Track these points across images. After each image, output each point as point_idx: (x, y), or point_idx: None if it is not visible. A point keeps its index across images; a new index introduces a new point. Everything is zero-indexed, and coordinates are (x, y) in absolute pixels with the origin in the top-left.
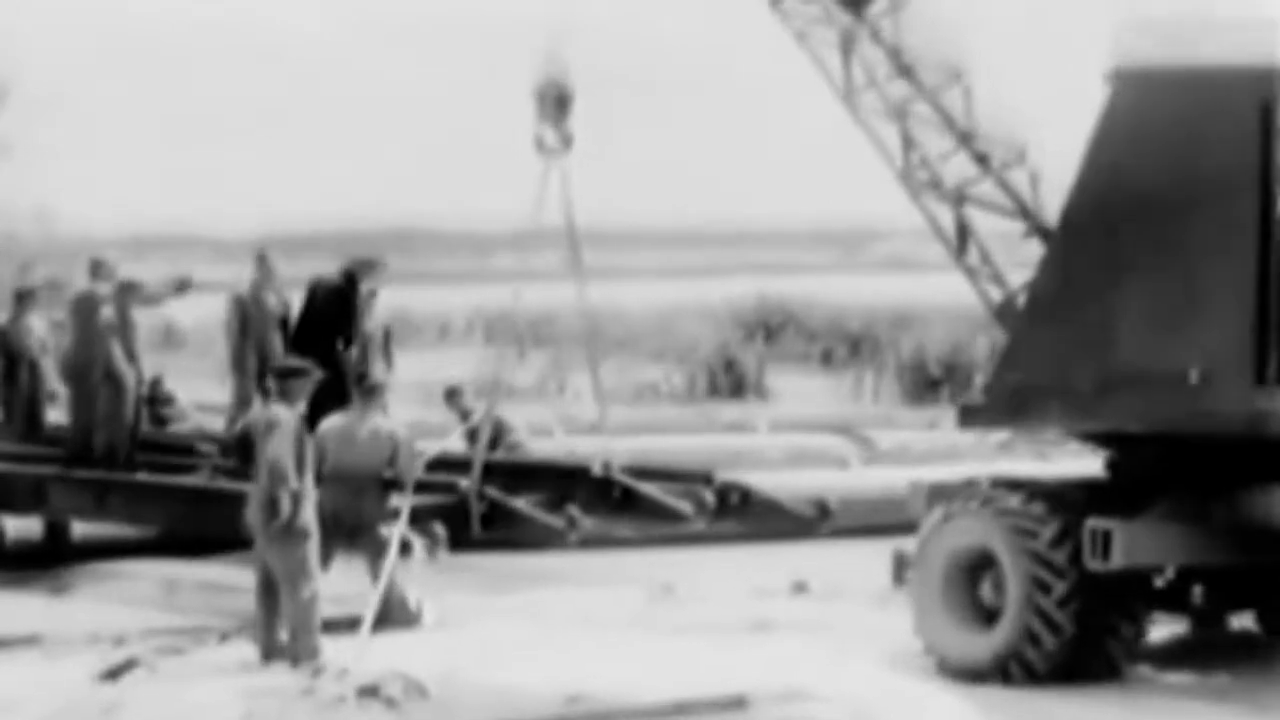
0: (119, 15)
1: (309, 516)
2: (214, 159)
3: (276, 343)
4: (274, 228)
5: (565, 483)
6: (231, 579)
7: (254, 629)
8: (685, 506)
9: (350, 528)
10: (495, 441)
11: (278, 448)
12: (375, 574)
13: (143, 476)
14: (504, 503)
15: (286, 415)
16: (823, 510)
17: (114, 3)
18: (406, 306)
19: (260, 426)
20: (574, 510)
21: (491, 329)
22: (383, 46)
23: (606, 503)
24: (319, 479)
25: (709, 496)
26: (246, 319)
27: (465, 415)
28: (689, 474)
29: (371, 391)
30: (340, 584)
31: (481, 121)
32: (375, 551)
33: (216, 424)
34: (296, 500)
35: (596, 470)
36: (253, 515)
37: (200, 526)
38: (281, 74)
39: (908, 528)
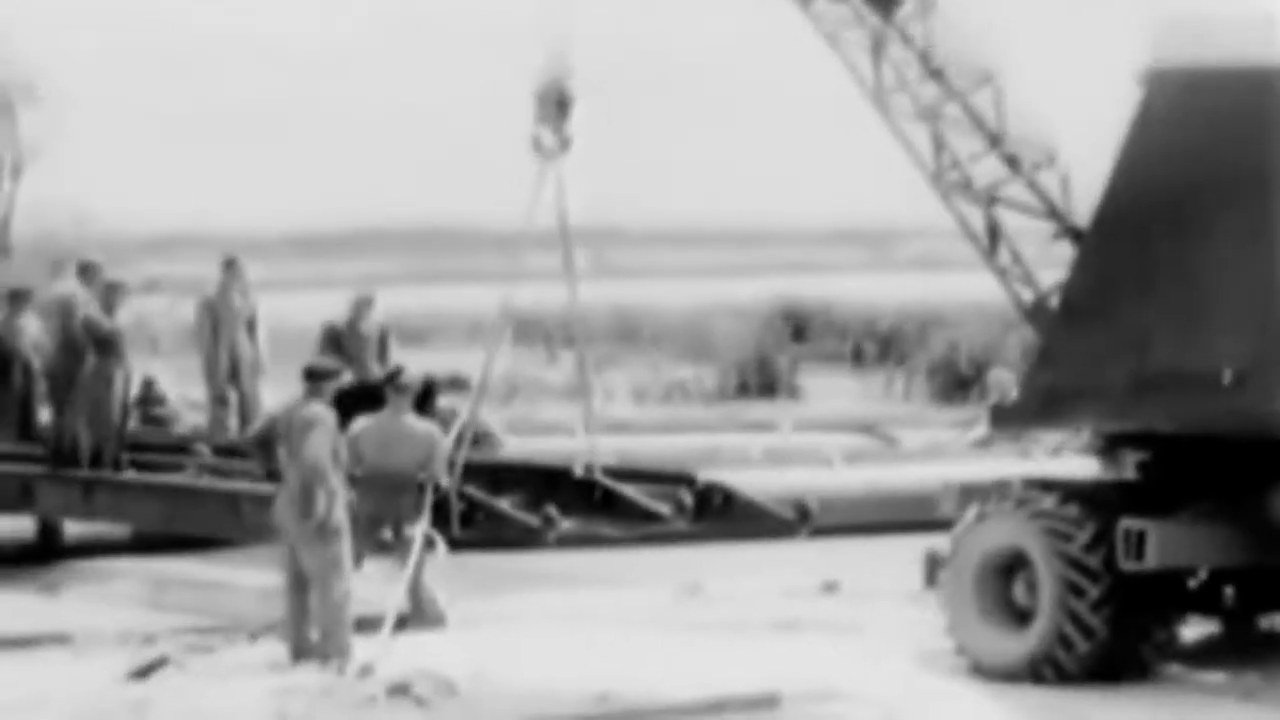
0: (148, 16)
1: (341, 515)
2: (244, 158)
3: (246, 344)
4: (304, 227)
5: (547, 484)
6: (220, 577)
7: (283, 628)
8: (664, 508)
9: (390, 527)
10: (475, 440)
11: (317, 446)
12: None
13: (129, 475)
14: (483, 502)
15: (324, 414)
16: (803, 512)
17: (143, 4)
18: (437, 305)
19: (294, 425)
20: (551, 510)
21: (520, 329)
22: (412, 46)
23: (588, 503)
24: (355, 480)
25: (688, 498)
26: (216, 322)
27: (446, 420)
28: (672, 475)
29: (404, 390)
30: (371, 584)
31: (510, 120)
32: (407, 551)
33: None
34: (331, 499)
35: (578, 471)
36: (282, 513)
37: (188, 525)
38: (311, 75)
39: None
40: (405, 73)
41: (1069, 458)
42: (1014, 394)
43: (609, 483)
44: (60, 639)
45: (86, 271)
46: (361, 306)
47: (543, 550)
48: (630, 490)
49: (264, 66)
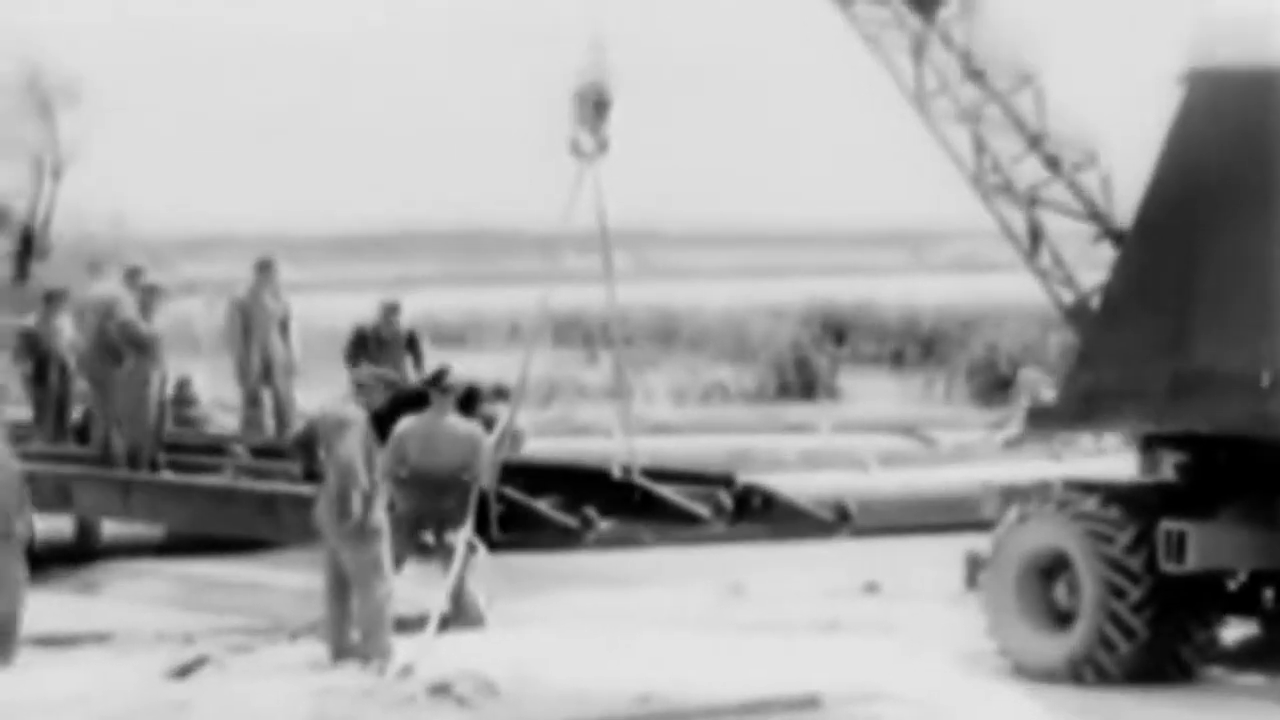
0: (186, 19)
1: (380, 516)
2: (281, 160)
3: (279, 345)
4: (343, 228)
5: (586, 485)
6: (256, 578)
7: (324, 628)
8: (703, 510)
9: (435, 527)
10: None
11: (349, 447)
12: (448, 574)
13: (167, 476)
14: (522, 503)
15: (357, 414)
16: (842, 513)
17: (181, 7)
18: (475, 306)
19: (330, 426)
20: (590, 511)
21: (560, 330)
22: (449, 46)
23: (627, 505)
24: (400, 480)
25: (727, 499)
26: (248, 323)
27: (489, 422)
28: (710, 476)
29: (449, 391)
30: (411, 585)
31: (548, 121)
32: (450, 555)
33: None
34: (368, 500)
35: (616, 473)
36: (322, 514)
37: (225, 526)
38: (349, 76)
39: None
40: (442, 74)
41: (1106, 458)
42: (1044, 393)
43: (647, 484)
44: (100, 638)
45: (132, 275)
46: (388, 313)
47: (581, 552)
48: (669, 492)
49: (301, 68)
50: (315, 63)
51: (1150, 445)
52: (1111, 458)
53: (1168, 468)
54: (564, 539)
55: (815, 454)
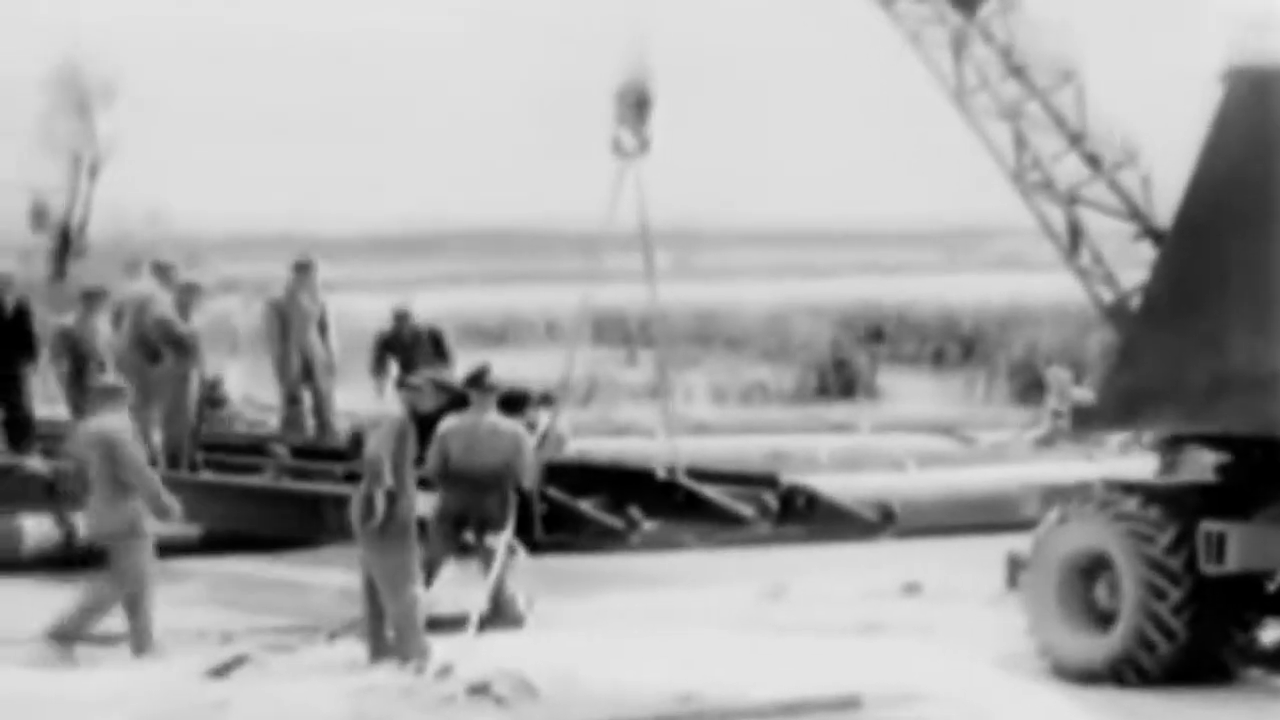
0: (225, 16)
1: (407, 518)
2: (317, 160)
3: (317, 345)
4: (381, 228)
5: (630, 486)
6: (294, 577)
7: (361, 628)
8: (748, 510)
9: (476, 527)
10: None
11: (373, 447)
12: (488, 575)
13: (207, 475)
14: (566, 504)
15: (391, 414)
16: (886, 514)
17: (219, 6)
18: (514, 306)
19: (371, 427)
20: (635, 512)
21: (600, 329)
22: (487, 45)
23: (671, 506)
24: (442, 479)
25: (772, 500)
26: (285, 323)
27: (530, 426)
28: (754, 477)
29: (490, 390)
30: (451, 585)
31: (588, 121)
32: (490, 557)
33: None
34: (392, 499)
35: (661, 474)
36: (353, 515)
37: (267, 525)
38: (387, 75)
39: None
40: (481, 72)
41: (1131, 457)
42: (1072, 393)
43: (692, 485)
44: None
45: (162, 272)
46: (400, 319)
47: (626, 553)
48: (713, 492)
49: (339, 67)
50: (354, 61)
51: (1168, 447)
52: (1139, 457)
53: (1187, 469)
54: (609, 540)
55: (853, 454)
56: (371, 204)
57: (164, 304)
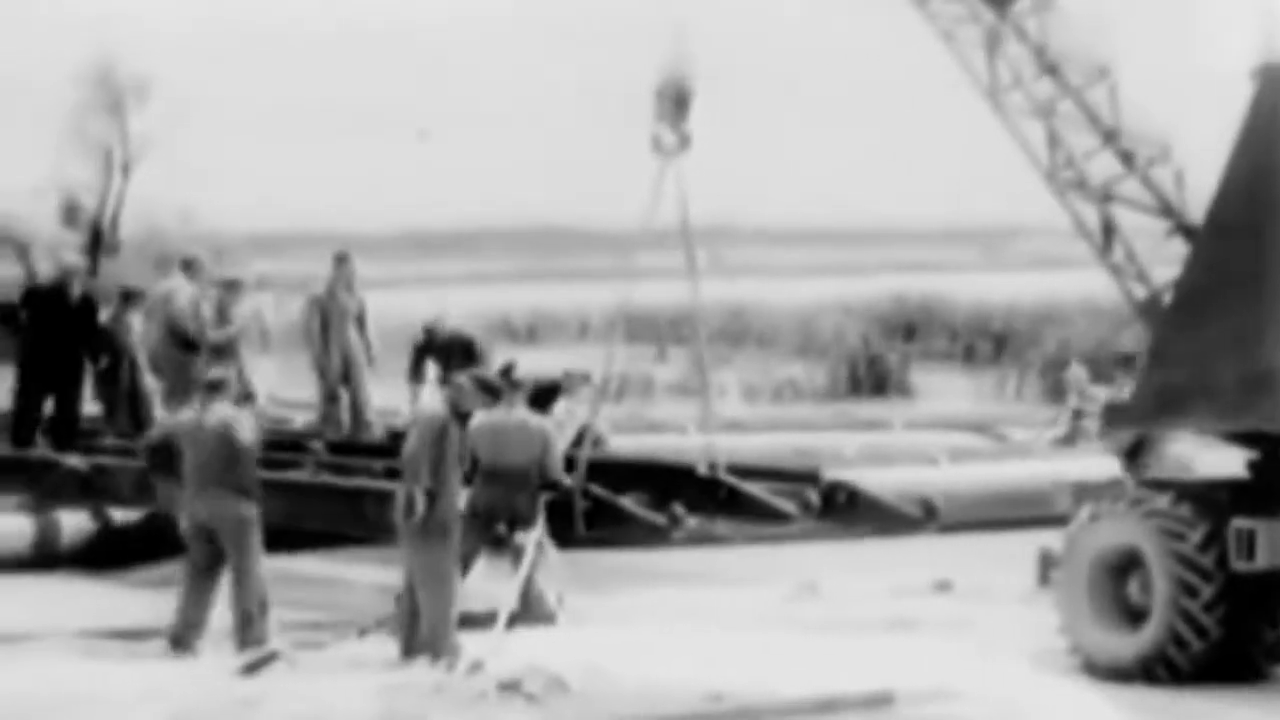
0: (258, 14)
1: (449, 516)
2: (350, 157)
3: (356, 341)
4: (415, 225)
5: (671, 482)
6: (337, 573)
7: (395, 624)
8: (790, 506)
9: (506, 524)
10: (579, 439)
11: (415, 445)
12: (517, 571)
13: None
14: (608, 500)
15: (429, 412)
16: (929, 510)
17: (253, 1)
18: (546, 303)
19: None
20: (678, 509)
21: (631, 326)
22: (522, 43)
23: (712, 502)
24: (470, 477)
25: (814, 496)
26: (325, 320)
27: (560, 422)
28: (795, 473)
29: (518, 387)
30: (481, 581)
31: (620, 119)
32: (519, 554)
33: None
34: (432, 498)
35: (702, 470)
36: (396, 512)
37: (309, 521)
38: (418, 72)
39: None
40: (516, 70)
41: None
42: (1090, 391)
43: (734, 481)
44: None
45: (189, 267)
46: (430, 333)
47: (669, 549)
48: (754, 488)
49: (374, 63)
50: (388, 59)
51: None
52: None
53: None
54: (652, 536)
55: (885, 450)
56: (405, 201)
57: (182, 299)
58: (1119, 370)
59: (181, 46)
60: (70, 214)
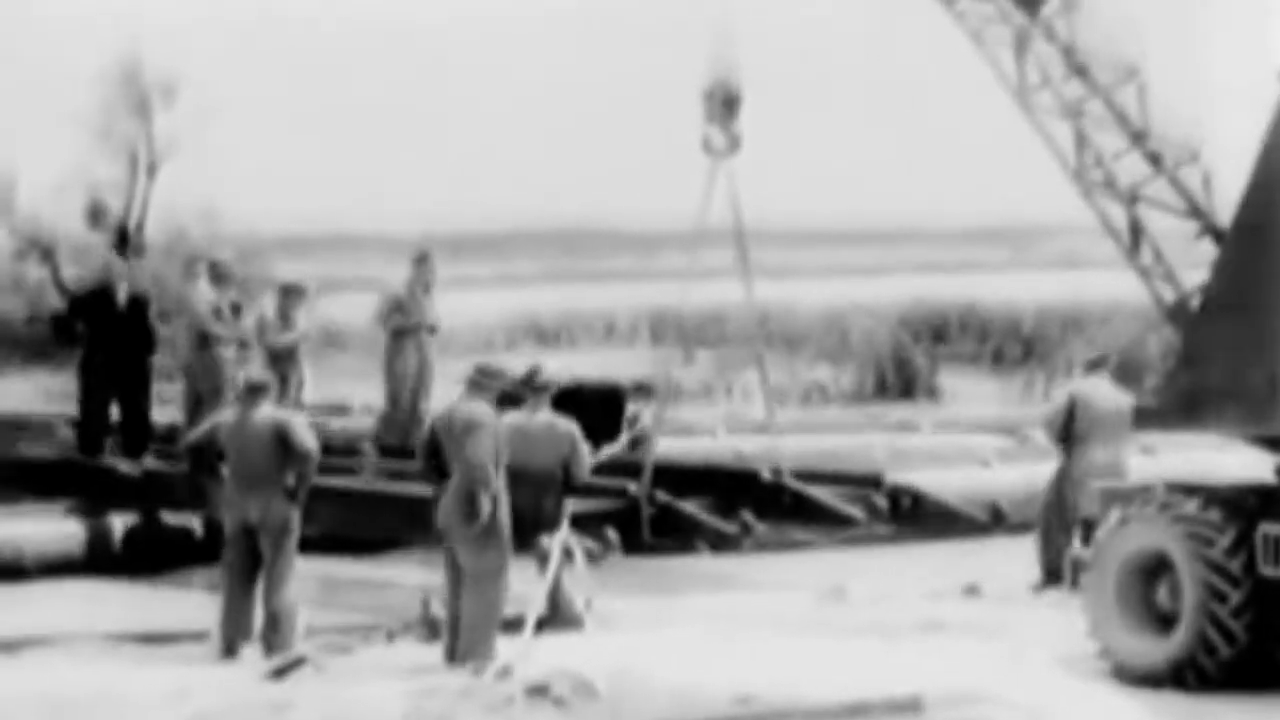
0: (281, 14)
1: (505, 518)
2: (376, 157)
3: (428, 342)
4: (438, 227)
5: (734, 487)
6: (386, 576)
7: (443, 628)
8: (856, 511)
9: (530, 526)
10: (635, 443)
11: (480, 448)
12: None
13: None
14: (675, 507)
15: (486, 415)
16: (996, 513)
17: (276, 2)
18: (574, 305)
19: (455, 426)
20: (748, 515)
21: (657, 328)
22: (552, 44)
23: (777, 507)
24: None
25: (881, 501)
26: (404, 322)
27: (631, 422)
28: (858, 477)
29: (544, 389)
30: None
31: (648, 119)
32: (546, 557)
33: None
34: (496, 501)
35: (766, 475)
36: (446, 517)
37: (363, 528)
38: (443, 72)
39: None
40: (545, 70)
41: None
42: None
43: (799, 486)
44: (196, 636)
45: (214, 270)
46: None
47: (739, 556)
48: (821, 493)
49: (401, 62)
50: (414, 60)
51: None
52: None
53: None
54: (721, 543)
55: (907, 454)
56: (428, 202)
57: (199, 300)
58: (1089, 375)
59: (209, 46)
60: (96, 215)
